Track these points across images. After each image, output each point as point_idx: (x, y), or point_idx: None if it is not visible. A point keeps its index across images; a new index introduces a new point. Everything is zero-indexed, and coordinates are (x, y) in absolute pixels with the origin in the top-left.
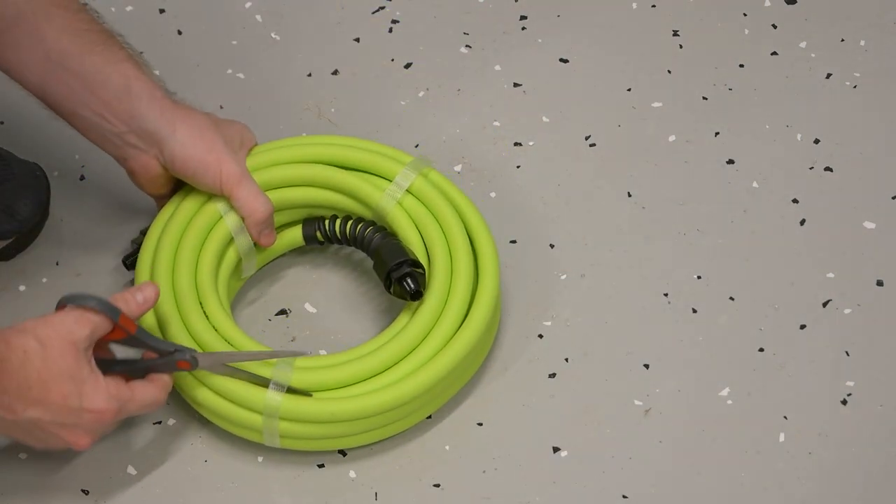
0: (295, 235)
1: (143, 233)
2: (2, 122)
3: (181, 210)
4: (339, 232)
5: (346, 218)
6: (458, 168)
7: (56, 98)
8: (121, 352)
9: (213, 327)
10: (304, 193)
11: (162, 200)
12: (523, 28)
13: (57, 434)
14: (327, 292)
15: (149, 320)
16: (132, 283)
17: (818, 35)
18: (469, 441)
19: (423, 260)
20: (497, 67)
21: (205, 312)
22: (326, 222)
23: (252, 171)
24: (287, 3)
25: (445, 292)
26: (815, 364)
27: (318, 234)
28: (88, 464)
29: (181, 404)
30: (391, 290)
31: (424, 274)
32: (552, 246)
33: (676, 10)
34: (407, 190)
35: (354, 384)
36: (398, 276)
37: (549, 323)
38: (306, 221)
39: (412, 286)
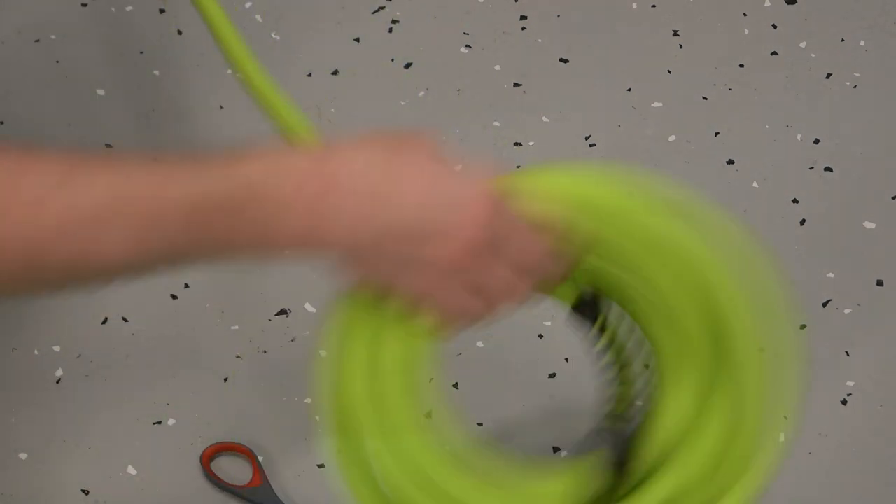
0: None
1: None
2: (2, 123)
3: None
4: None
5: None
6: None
7: None
8: None
9: None
10: None
11: None
12: (523, 28)
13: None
14: (328, 292)
15: None
16: None
17: (818, 35)
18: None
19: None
20: (497, 67)
21: None
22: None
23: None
24: (287, 3)
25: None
26: (815, 364)
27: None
28: (88, 464)
29: (182, 404)
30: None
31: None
32: None
33: (676, 10)
34: None
35: None
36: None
37: (548, 323)
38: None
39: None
